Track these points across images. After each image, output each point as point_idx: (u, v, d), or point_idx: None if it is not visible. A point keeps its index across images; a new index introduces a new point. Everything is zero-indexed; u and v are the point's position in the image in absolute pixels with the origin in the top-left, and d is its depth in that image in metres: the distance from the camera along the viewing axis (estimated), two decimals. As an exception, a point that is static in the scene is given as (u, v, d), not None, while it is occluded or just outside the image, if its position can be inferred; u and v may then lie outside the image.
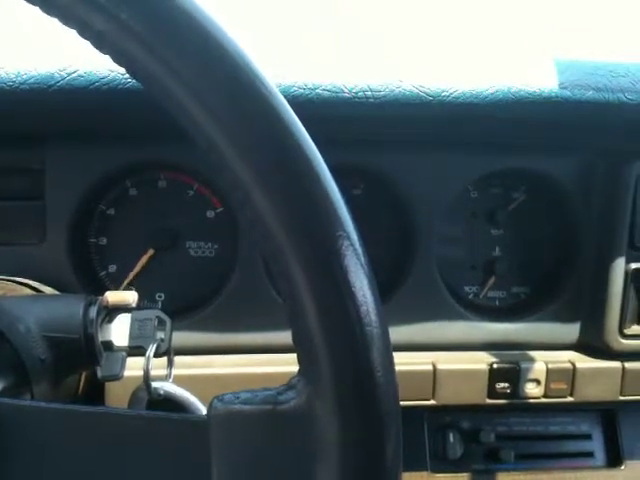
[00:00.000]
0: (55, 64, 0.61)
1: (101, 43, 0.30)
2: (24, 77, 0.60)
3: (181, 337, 0.74)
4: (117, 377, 0.52)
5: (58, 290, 0.71)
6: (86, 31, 0.29)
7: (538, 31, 0.78)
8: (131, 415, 0.35)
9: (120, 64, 0.30)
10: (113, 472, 0.35)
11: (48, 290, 0.70)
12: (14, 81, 0.60)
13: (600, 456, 0.86)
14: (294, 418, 0.31)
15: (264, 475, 0.32)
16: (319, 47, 0.68)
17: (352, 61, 0.67)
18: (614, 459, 0.86)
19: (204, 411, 0.55)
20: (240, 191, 0.30)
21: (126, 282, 0.78)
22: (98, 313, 0.51)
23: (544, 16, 0.82)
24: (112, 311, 0.54)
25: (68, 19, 0.29)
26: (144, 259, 0.78)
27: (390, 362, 0.30)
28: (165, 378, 0.55)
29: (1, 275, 0.68)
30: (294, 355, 0.32)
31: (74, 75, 0.61)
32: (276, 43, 0.68)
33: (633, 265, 0.79)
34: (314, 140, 0.31)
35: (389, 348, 0.30)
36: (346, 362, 0.29)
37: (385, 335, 0.30)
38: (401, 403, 0.31)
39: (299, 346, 0.31)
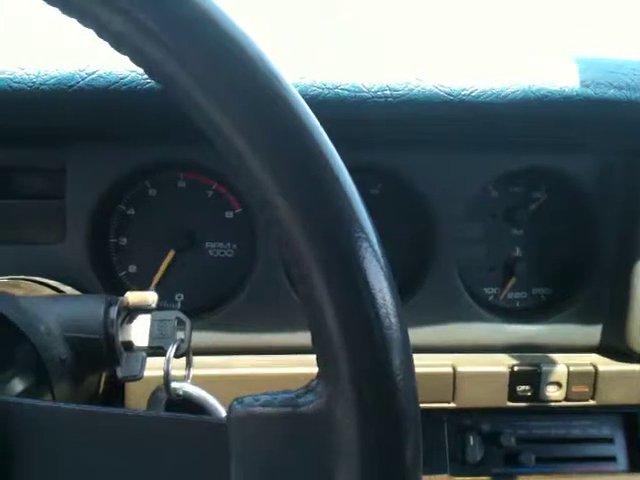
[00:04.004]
0: (75, 64, 0.61)
1: (119, 44, 0.30)
2: (44, 77, 0.61)
3: (200, 337, 0.74)
4: (137, 377, 0.52)
5: (77, 289, 0.72)
6: (104, 32, 0.29)
7: (559, 29, 0.78)
8: (151, 417, 0.35)
9: (138, 65, 0.30)
10: (132, 474, 0.35)
11: (68, 290, 0.70)
12: (34, 81, 0.61)
13: (622, 460, 0.85)
14: (314, 421, 0.31)
15: (283, 477, 0.32)
16: (338, 47, 0.68)
17: (371, 61, 0.66)
18: (636, 463, 0.84)
19: (222, 411, 0.55)
20: (258, 193, 0.29)
21: (154, 284, 0.79)
22: (119, 313, 0.51)
23: (565, 14, 0.81)
24: (132, 311, 0.54)
25: (86, 20, 0.29)
26: (166, 261, 0.79)
27: (410, 365, 0.30)
28: (184, 378, 0.55)
29: (21, 274, 0.69)
30: (313, 356, 0.31)
31: (94, 76, 0.61)
32: (293, 43, 0.68)
33: (656, 266, 0.78)
34: (332, 140, 0.30)
35: (409, 351, 0.30)
36: (366, 365, 0.29)
37: (405, 338, 0.30)
38: (421, 405, 0.31)
39: (319, 349, 0.31)
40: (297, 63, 0.65)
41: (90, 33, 0.30)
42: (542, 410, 0.81)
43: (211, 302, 0.80)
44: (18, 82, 0.61)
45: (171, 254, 0.79)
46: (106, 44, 0.30)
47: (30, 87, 0.61)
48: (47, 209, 0.74)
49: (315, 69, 0.65)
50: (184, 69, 0.28)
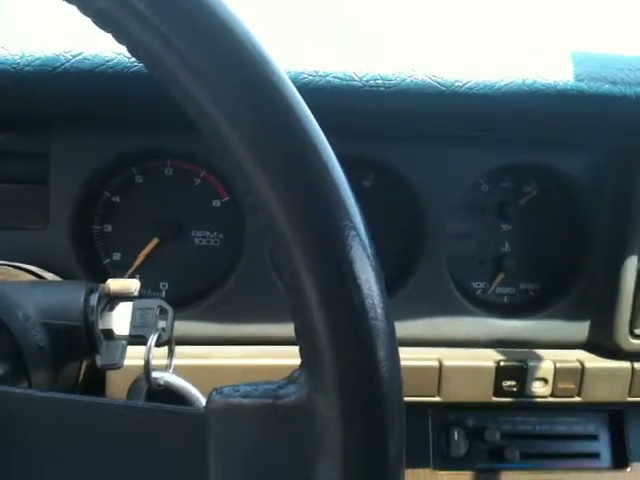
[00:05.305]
0: (60, 46, 0.60)
1: (102, 21, 0.29)
2: (28, 59, 0.59)
3: (184, 327, 0.73)
4: (117, 366, 0.51)
5: (60, 277, 0.71)
6: (87, 8, 0.28)
7: (554, 22, 0.77)
8: (127, 406, 0.35)
9: (121, 43, 0.29)
10: (109, 464, 0.34)
11: (50, 276, 0.69)
12: (18, 63, 0.59)
13: (606, 457, 0.85)
14: (295, 413, 0.30)
15: (262, 471, 0.31)
16: (330, 35, 0.67)
17: (364, 50, 0.65)
18: (620, 461, 0.84)
19: (204, 402, 0.54)
20: (243, 178, 0.29)
21: (130, 271, 0.78)
22: (99, 301, 0.50)
23: (560, 7, 0.80)
24: (113, 299, 0.53)
25: None
26: (148, 249, 0.77)
27: (395, 357, 0.29)
28: (165, 368, 0.54)
29: (3, 260, 0.68)
30: (297, 347, 0.31)
31: (79, 57, 0.60)
32: (285, 30, 0.67)
33: (645, 264, 0.78)
34: (324, 130, 0.30)
35: (394, 343, 0.29)
36: (350, 356, 0.28)
37: (391, 329, 0.29)
38: (405, 399, 0.30)
39: (301, 339, 0.30)
40: (288, 50, 0.64)
41: (74, 10, 0.29)
42: (527, 406, 0.81)
43: (196, 292, 0.78)
44: (1, 63, 0.59)
45: (154, 242, 0.77)
46: (90, 22, 0.29)
47: (14, 68, 0.60)
48: (30, 194, 0.73)
49: (307, 56, 0.64)
50: (169, 48, 0.27)
